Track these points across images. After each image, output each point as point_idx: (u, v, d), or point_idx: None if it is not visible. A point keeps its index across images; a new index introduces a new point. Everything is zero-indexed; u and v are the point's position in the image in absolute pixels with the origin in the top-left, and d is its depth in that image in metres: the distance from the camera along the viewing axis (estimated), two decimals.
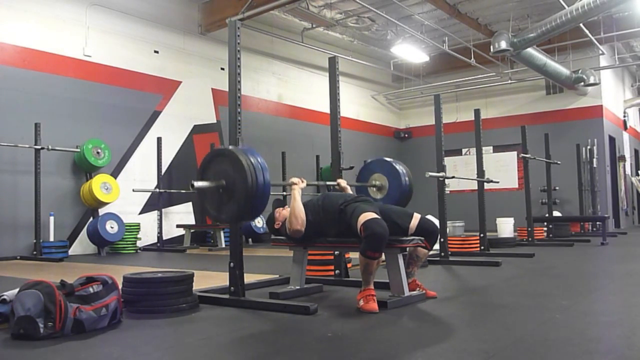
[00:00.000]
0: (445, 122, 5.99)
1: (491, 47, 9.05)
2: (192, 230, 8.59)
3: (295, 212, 3.17)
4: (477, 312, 3.00)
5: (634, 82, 15.27)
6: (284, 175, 9.88)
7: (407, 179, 3.93)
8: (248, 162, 2.70)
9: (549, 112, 12.16)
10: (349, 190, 3.74)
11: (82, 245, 7.50)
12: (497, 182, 6.52)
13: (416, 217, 3.18)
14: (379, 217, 2.95)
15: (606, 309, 3.01)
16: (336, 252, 3.95)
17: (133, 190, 7.96)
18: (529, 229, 7.77)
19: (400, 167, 3.98)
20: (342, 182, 3.77)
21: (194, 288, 3.12)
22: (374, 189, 4.04)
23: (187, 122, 9.07)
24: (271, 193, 9.75)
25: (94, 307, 2.46)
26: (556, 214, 9.98)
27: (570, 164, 10.31)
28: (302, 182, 3.35)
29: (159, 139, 8.27)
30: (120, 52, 8.20)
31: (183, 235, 8.56)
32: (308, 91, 11.40)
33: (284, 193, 9.51)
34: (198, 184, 2.80)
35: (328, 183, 3.82)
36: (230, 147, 2.88)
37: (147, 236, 8.24)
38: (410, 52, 10.80)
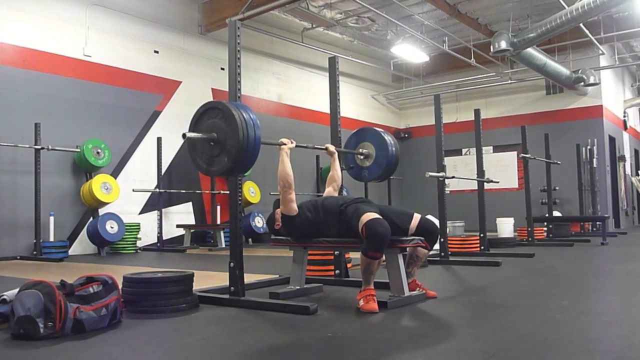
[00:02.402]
0: (445, 122, 5.99)
1: (491, 47, 9.05)
2: (192, 230, 8.59)
3: (281, 174, 3.19)
4: (477, 312, 3.00)
5: (634, 82, 15.27)
6: None
7: (394, 149, 4.00)
8: (240, 116, 2.74)
9: (549, 112, 12.16)
10: (336, 156, 3.76)
11: (82, 245, 7.50)
12: (497, 182, 6.52)
13: (416, 218, 3.18)
14: (380, 217, 2.95)
15: (606, 309, 3.01)
16: (336, 252, 3.95)
17: (133, 190, 7.96)
18: (529, 229, 7.77)
19: (388, 138, 4.03)
20: (331, 147, 3.79)
21: (194, 288, 3.12)
22: (361, 156, 4.07)
23: (187, 122, 8.95)
24: (271, 193, 9.68)
25: (94, 307, 2.46)
26: (556, 214, 9.98)
27: (570, 164, 10.31)
28: (292, 143, 3.37)
29: (159, 139, 8.27)
30: (120, 52, 8.20)
31: (183, 235, 8.56)
32: (308, 91, 11.40)
33: None
34: (190, 134, 2.85)
35: (317, 146, 3.83)
36: (223, 101, 2.90)
37: (147, 236, 8.24)
38: (410, 52, 10.80)
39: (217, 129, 2.82)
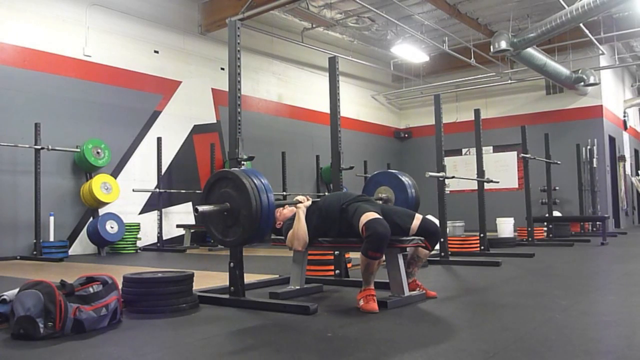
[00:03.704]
0: (445, 122, 5.99)
1: (491, 47, 9.06)
2: (192, 230, 8.58)
3: (298, 234, 3.17)
4: (477, 312, 3.00)
5: (634, 82, 15.27)
6: (284, 175, 9.89)
7: (413, 190, 3.95)
8: (251, 184, 2.72)
9: (549, 112, 12.16)
10: None
11: (82, 245, 7.50)
12: (497, 182, 6.52)
13: (418, 218, 3.17)
14: (380, 217, 2.95)
15: (606, 309, 3.01)
16: (336, 252, 3.95)
17: (133, 190, 7.96)
18: (529, 229, 7.77)
19: (406, 179, 3.99)
20: None
21: (194, 288, 3.12)
22: (381, 202, 4.05)
23: (187, 122, 9.07)
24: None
25: (94, 307, 2.46)
26: (556, 214, 9.98)
27: (570, 164, 10.31)
28: (308, 200, 3.35)
29: (159, 139, 8.27)
30: (120, 52, 8.20)
31: (183, 235, 8.55)
32: (308, 91, 11.40)
33: (284, 193, 9.51)
34: (202, 208, 2.80)
35: None
36: (233, 169, 2.89)
37: (147, 236, 8.24)
38: (410, 52, 10.80)
39: (229, 198, 2.78)
